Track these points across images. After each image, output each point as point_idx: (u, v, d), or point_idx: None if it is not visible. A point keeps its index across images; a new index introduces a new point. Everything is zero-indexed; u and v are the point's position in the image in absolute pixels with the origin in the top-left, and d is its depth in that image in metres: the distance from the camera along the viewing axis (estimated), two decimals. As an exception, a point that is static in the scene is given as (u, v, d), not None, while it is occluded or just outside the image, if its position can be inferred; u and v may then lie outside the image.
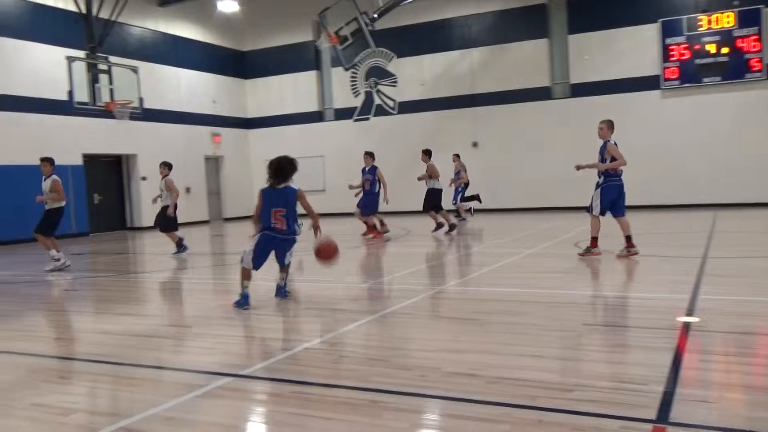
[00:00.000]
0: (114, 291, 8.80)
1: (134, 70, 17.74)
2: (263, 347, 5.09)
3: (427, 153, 14.42)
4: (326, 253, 6.60)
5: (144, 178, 20.57)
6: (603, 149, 9.20)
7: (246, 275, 6.57)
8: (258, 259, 6.57)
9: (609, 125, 9.27)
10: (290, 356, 4.61)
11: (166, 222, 12.24)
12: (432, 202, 14.08)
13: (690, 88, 18.71)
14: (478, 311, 6.05)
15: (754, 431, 2.98)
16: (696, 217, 15.65)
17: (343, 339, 5.25)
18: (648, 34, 19.08)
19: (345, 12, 18.61)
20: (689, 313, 5.40)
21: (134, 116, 17.88)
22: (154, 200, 12.55)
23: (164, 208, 12.25)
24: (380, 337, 5.34)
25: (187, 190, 22.07)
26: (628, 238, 9.06)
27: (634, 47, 19.30)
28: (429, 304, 6.59)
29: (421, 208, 14.45)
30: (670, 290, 6.58)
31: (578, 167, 9.55)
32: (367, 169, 13.62)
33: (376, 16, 19.02)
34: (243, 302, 6.50)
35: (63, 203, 10.84)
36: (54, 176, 10.73)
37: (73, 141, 18.29)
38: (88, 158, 19.05)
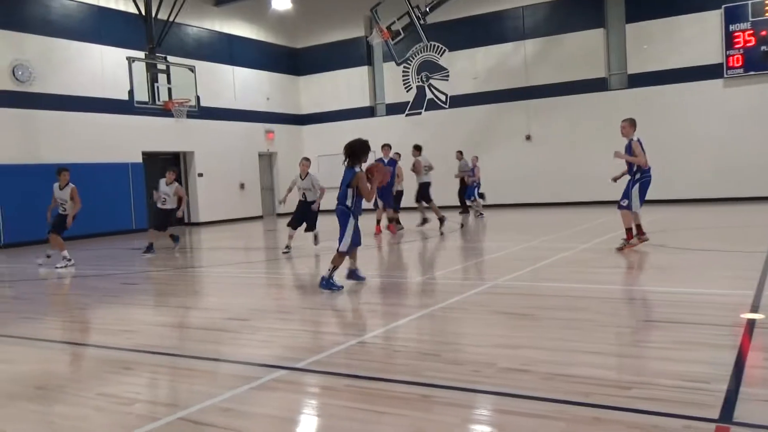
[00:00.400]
0: (173, 285, 9.04)
1: (191, 69, 18.15)
2: (317, 341, 5.15)
3: (417, 148, 14.58)
4: (376, 170, 7.18)
5: (201, 175, 21.08)
6: (628, 148, 9.20)
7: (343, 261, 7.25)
8: (356, 239, 7.15)
9: (631, 123, 9.45)
10: (343, 350, 4.65)
11: (164, 222, 12.73)
12: (419, 195, 14.36)
13: (755, 77, 17.96)
14: (531, 306, 5.97)
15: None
16: (760, 210, 15.03)
17: (396, 333, 5.26)
18: (710, 20, 18.39)
19: (397, 7, 18.59)
20: (754, 310, 5.20)
21: (191, 114, 18.30)
22: (157, 202, 12.77)
23: (166, 212, 12.61)
24: (432, 331, 5.33)
25: (242, 186, 22.51)
26: (639, 227, 9.20)
27: (695, 35, 18.64)
28: (481, 299, 6.54)
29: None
30: (732, 286, 6.35)
31: (617, 155, 9.58)
32: (386, 161, 13.61)
33: (427, 10, 18.92)
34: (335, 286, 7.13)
35: (79, 208, 11.32)
36: (71, 185, 11.20)
37: (133, 139, 18.88)
38: (147, 156, 19.63)
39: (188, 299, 7.81)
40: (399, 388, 3.75)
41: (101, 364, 4.75)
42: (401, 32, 18.83)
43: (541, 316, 5.51)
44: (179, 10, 18.05)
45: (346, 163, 7.05)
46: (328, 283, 7.13)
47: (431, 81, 22.91)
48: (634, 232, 9.19)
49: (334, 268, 7.15)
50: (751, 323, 4.81)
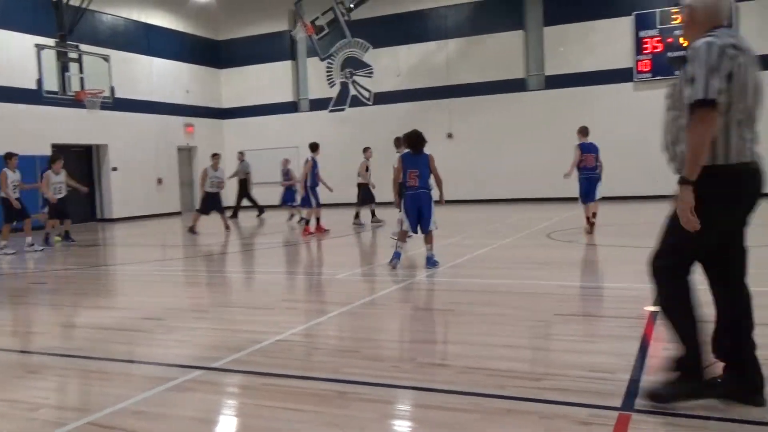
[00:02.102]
0: (84, 284, 8.69)
1: (105, 58, 17.44)
2: (235, 340, 5.06)
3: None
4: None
5: (115, 169, 20.27)
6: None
7: (402, 237, 7.97)
8: (413, 222, 7.77)
9: (579, 131, 11.55)
10: (261, 349, 4.59)
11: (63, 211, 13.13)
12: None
13: (662, 81, 18.94)
14: (450, 302, 6.09)
15: (709, 416, 3.04)
16: (663, 208, 15.84)
17: (316, 331, 5.25)
18: (622, 26, 19.26)
19: (321, 2, 18.50)
20: (655, 303, 5.49)
21: (105, 106, 17.59)
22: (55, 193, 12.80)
23: (64, 200, 12.97)
24: (352, 328, 5.35)
25: (159, 181, 21.83)
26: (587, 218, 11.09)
27: (608, 40, 19.47)
28: (402, 296, 6.62)
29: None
30: (638, 280, 6.67)
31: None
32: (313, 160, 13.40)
33: (352, 6, 18.94)
34: (395, 259, 7.81)
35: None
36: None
37: (42, 131, 17.91)
38: (58, 148, 18.69)
39: (100, 299, 7.53)
40: (318, 386, 3.74)
41: (4, 369, 4.50)
42: (325, 27, 18.77)
43: (460, 312, 5.63)
44: (93, -3, 17.31)
45: (404, 150, 8.12)
46: (432, 261, 7.81)
47: (355, 77, 22.91)
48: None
49: (431, 246, 7.87)
50: (653, 315, 5.08)
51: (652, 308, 5.29)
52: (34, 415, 3.50)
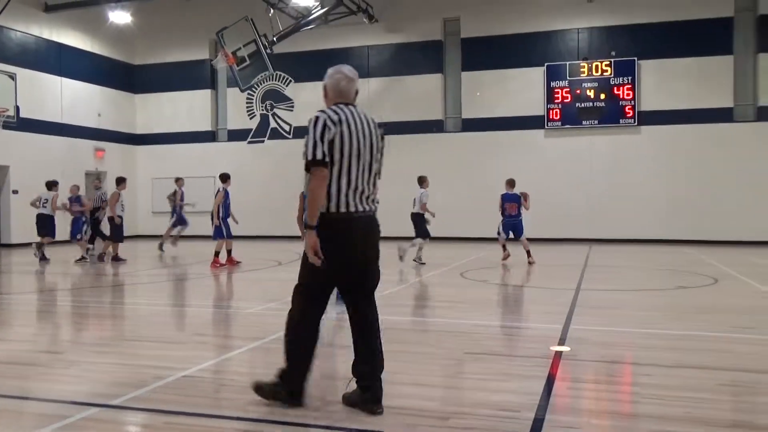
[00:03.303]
0: (-26, 313, 8.10)
1: (11, 76, 16.65)
2: (138, 375, 4.83)
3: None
4: None
5: (16, 192, 19.18)
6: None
7: None
8: None
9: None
10: (166, 384, 4.41)
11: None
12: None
13: (570, 129, 19.93)
14: (363, 339, 6.06)
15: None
16: (572, 251, 16.57)
17: (225, 367, 5.10)
18: (535, 76, 20.20)
19: (244, 33, 18.45)
20: (561, 342, 5.69)
21: (8, 125, 16.72)
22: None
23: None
24: (264, 364, 5.23)
25: (64, 205, 20.80)
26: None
27: (522, 88, 20.36)
28: (315, 331, 6.54)
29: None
30: (544, 320, 6.91)
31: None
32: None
33: (275, 39, 18.99)
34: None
35: None
36: None
37: (-64, 148, 16.84)
38: (-46, 167, 17.58)
39: (-9, 329, 7.03)
40: (223, 424, 3.63)
41: None
42: (247, 59, 18.71)
43: (372, 349, 5.61)
44: (1, 12, 16.54)
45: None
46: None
47: (276, 110, 22.87)
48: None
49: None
50: (558, 355, 5.25)
51: (558, 348, 5.48)
52: None
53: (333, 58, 22.05)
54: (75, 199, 14.91)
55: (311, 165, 3.67)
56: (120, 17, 20.70)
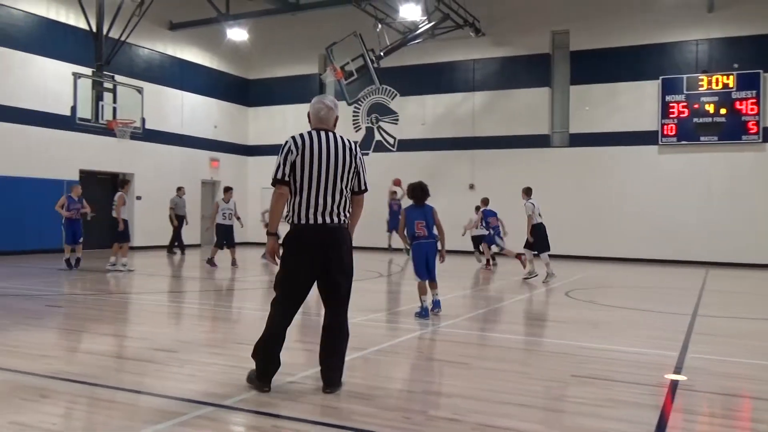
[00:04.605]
0: (99, 310, 8.71)
1: (139, 90, 17.84)
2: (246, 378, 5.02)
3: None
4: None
5: (139, 198, 20.55)
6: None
7: (422, 290, 7.89)
8: (421, 270, 7.87)
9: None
10: (274, 389, 4.55)
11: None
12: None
13: (687, 146, 18.93)
14: (464, 355, 6.01)
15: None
16: (687, 273, 15.68)
17: (328, 375, 5.17)
18: (648, 90, 19.38)
19: (352, 48, 18.87)
20: (677, 371, 5.38)
21: (135, 136, 17.92)
22: None
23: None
24: (365, 375, 5.29)
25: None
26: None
27: (634, 102, 19.59)
28: (416, 344, 6.55)
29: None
30: (657, 346, 6.56)
31: None
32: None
33: (382, 54, 19.29)
34: (424, 314, 7.76)
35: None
36: None
37: (71, 156, 18.32)
38: (85, 174, 19.05)
39: (114, 326, 7.54)
40: (327, 432, 3.68)
41: (17, 390, 4.49)
42: (354, 73, 19.09)
43: (474, 365, 5.55)
44: (132, 31, 17.82)
45: (408, 200, 8.18)
46: (437, 303, 8.03)
47: (381, 123, 23.21)
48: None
49: (437, 291, 8.09)
50: (674, 384, 4.96)
51: (674, 376, 5.18)
52: (41, 441, 3.47)
53: (438, 72, 22.33)
54: (78, 201, 14.11)
55: (273, 183, 4.37)
56: (237, 34, 21.75)
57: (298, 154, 4.34)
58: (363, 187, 4.58)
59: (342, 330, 4.61)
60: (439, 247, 8.10)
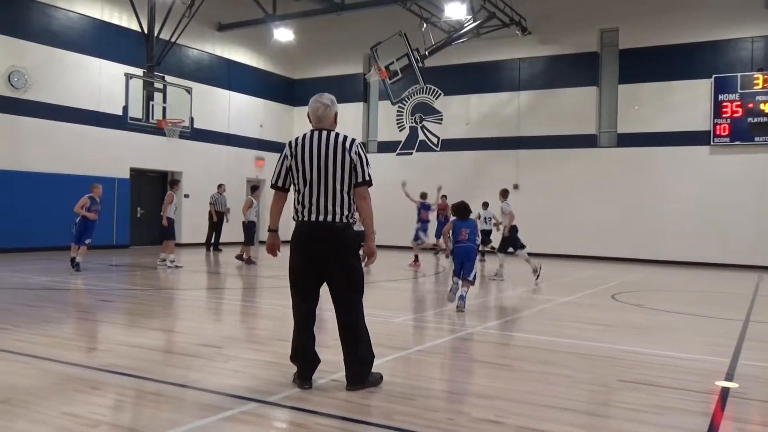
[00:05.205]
0: (148, 305, 8.92)
1: (188, 90, 18.20)
2: (290, 375, 5.07)
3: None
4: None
5: (187, 196, 20.96)
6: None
7: (454, 280, 8.74)
8: (456, 268, 8.70)
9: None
10: (317, 386, 4.59)
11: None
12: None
13: (740, 146, 18.36)
14: (507, 357, 5.96)
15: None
16: (739, 278, 15.20)
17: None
18: (700, 89, 18.86)
19: (396, 48, 18.88)
20: (728, 378, 5.22)
21: (183, 135, 18.30)
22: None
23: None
24: (407, 375, 5.29)
25: (227, 210, 22.36)
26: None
27: (685, 101, 19.09)
28: (458, 346, 6.52)
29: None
30: (708, 352, 6.38)
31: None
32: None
33: (426, 53, 19.25)
34: (451, 292, 8.73)
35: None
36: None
37: (122, 155, 18.82)
38: (135, 172, 19.55)
39: (162, 321, 7.71)
40: (370, 431, 3.69)
41: (68, 382, 4.64)
42: (399, 73, 19.09)
43: (517, 368, 5.50)
44: (182, 32, 18.19)
45: (455, 215, 9.07)
46: (464, 298, 8.55)
47: (424, 123, 23.17)
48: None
49: (467, 289, 8.68)
50: (725, 391, 4.82)
51: (725, 383, 5.04)
52: (92, 431, 3.58)
53: (483, 71, 22.16)
54: (98, 202, 13.33)
55: (272, 186, 4.68)
56: (283, 35, 21.99)
57: (292, 158, 4.57)
58: (361, 179, 4.51)
59: (349, 329, 4.59)
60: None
